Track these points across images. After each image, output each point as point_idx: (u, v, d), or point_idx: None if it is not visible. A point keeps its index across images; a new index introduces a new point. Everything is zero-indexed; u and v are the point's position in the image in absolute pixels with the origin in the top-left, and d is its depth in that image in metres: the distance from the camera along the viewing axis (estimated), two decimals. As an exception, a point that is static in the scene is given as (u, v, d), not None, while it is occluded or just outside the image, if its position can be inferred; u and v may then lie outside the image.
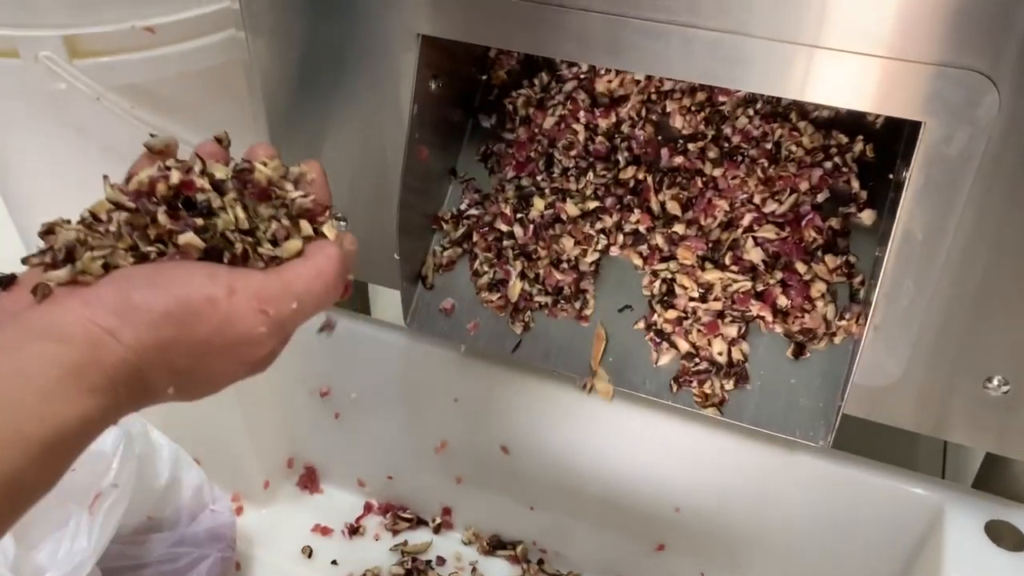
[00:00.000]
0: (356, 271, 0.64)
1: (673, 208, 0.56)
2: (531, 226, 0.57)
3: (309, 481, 0.79)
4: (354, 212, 0.60)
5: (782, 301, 0.54)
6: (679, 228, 0.56)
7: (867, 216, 0.54)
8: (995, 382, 0.49)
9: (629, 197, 0.57)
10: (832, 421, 0.52)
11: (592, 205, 0.57)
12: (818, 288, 0.54)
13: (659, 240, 0.56)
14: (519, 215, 0.58)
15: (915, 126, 0.43)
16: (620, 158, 0.57)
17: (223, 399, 0.71)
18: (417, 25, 0.50)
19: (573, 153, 0.58)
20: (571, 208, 0.57)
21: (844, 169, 0.55)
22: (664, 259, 0.56)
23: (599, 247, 0.57)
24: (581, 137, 0.58)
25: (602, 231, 0.57)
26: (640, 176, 0.57)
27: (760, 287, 0.54)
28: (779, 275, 0.54)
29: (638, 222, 0.57)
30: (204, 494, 0.70)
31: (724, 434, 0.60)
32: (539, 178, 0.59)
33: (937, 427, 0.53)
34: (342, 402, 0.73)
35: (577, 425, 0.65)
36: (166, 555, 0.66)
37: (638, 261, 0.57)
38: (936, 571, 0.53)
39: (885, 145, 0.55)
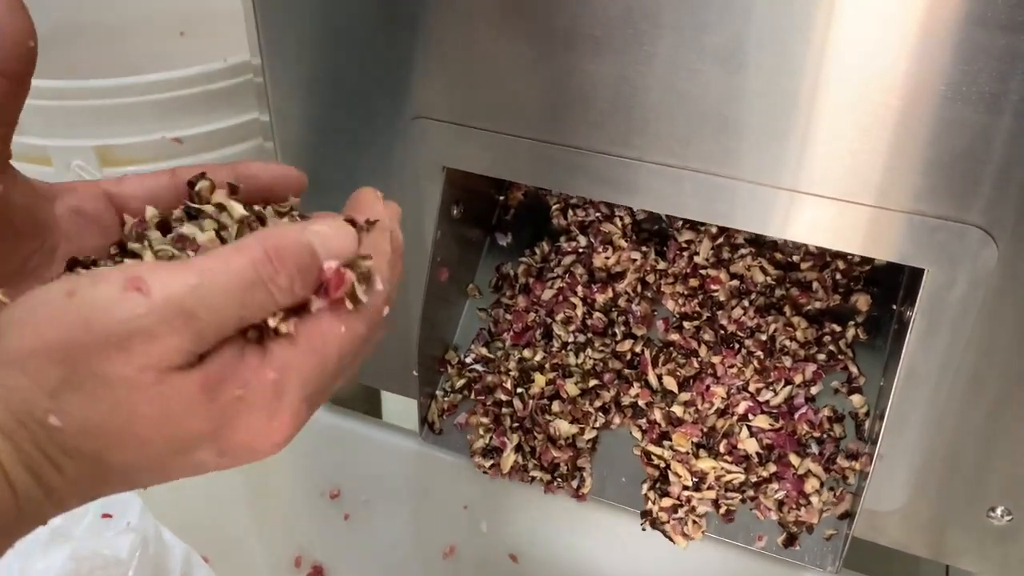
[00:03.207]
0: (374, 379, 0.66)
1: (670, 384, 0.58)
2: (531, 401, 0.58)
3: (316, 581, 0.79)
4: (372, 325, 0.62)
5: (778, 495, 0.55)
6: (678, 409, 0.57)
7: (857, 401, 0.56)
8: (998, 512, 0.51)
9: (627, 371, 0.59)
10: (840, 548, 0.53)
11: (592, 383, 0.58)
12: (812, 484, 0.54)
13: (658, 415, 0.57)
14: (519, 389, 0.59)
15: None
16: (617, 331, 0.59)
17: (232, 497, 0.73)
18: (443, 159, 0.52)
19: (572, 328, 0.60)
20: (571, 387, 0.58)
21: (840, 356, 0.56)
22: (663, 435, 0.57)
23: (597, 424, 0.58)
24: (579, 312, 0.59)
25: (601, 408, 0.58)
26: (637, 349, 0.59)
27: (753, 478, 0.55)
28: (772, 467, 0.55)
29: (637, 396, 0.58)
30: (213, 596, 0.70)
31: (734, 556, 0.61)
32: (538, 352, 0.60)
33: (940, 552, 0.54)
34: (352, 504, 0.74)
35: (588, 538, 0.65)
36: (174, 661, 0.66)
37: (638, 434, 0.58)
38: None
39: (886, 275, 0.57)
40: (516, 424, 0.59)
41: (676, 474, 0.56)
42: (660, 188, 0.48)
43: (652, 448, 0.57)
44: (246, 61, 0.69)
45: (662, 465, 0.57)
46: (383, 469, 0.71)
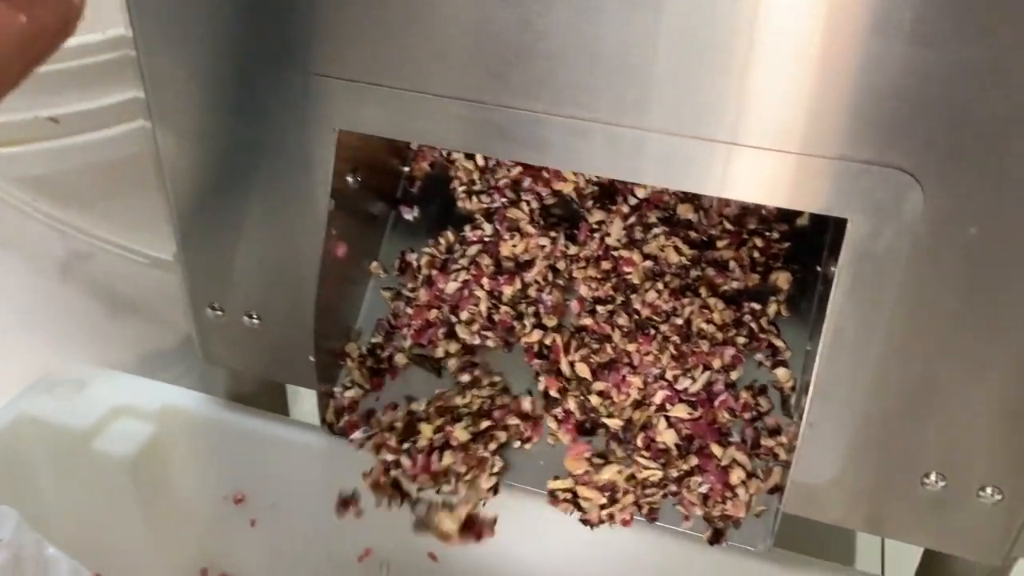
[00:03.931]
0: (271, 370, 0.61)
1: (582, 371, 0.54)
2: (420, 456, 0.53)
3: (223, 594, 0.73)
4: (269, 310, 0.57)
5: (702, 488, 0.52)
6: (594, 399, 0.54)
7: (782, 374, 0.53)
8: (932, 478, 0.48)
9: (537, 362, 0.55)
10: (771, 524, 0.51)
11: (483, 424, 0.54)
12: (737, 475, 0.51)
13: (572, 404, 0.54)
14: (405, 445, 0.54)
15: (841, 221, 0.43)
16: (527, 323, 0.55)
17: (126, 508, 0.67)
18: (334, 120, 0.48)
19: (475, 328, 0.56)
20: (460, 433, 0.53)
21: (762, 336, 0.53)
22: (579, 426, 0.54)
23: (495, 470, 0.54)
24: (483, 307, 0.55)
25: (497, 450, 0.54)
26: (548, 341, 0.55)
27: (675, 472, 0.52)
28: (694, 460, 0.52)
29: (547, 387, 0.54)
30: (105, 616, 0.64)
31: (661, 539, 0.57)
32: (422, 404, 0.55)
33: (875, 525, 0.52)
34: (258, 509, 0.68)
35: (509, 528, 0.61)
36: None
37: (553, 424, 0.54)
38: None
39: (811, 237, 0.55)
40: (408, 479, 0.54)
41: (586, 499, 0.53)
42: (568, 143, 0.45)
43: (554, 485, 0.54)
44: (124, 35, 0.64)
45: (569, 496, 0.53)
46: (290, 469, 0.66)
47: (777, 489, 0.51)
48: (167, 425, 0.66)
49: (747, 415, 0.52)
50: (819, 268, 0.53)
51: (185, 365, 0.76)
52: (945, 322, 0.44)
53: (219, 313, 0.59)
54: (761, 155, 0.42)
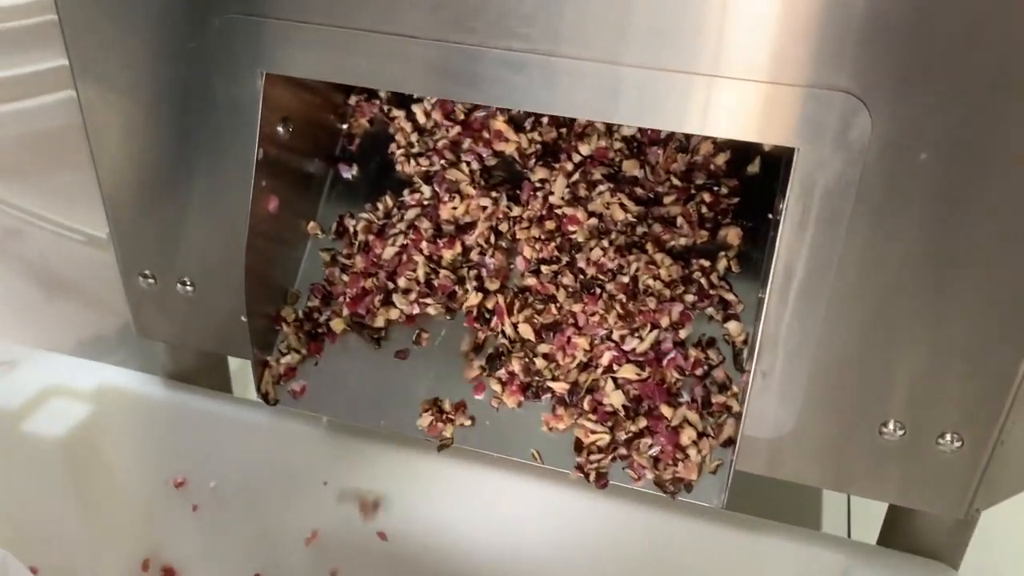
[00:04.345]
0: (208, 341, 0.58)
1: (526, 332, 0.52)
2: None
3: (166, 585, 0.70)
4: (202, 276, 0.55)
5: (652, 451, 0.50)
6: (540, 362, 0.51)
7: (733, 328, 0.50)
8: (891, 426, 0.47)
9: (478, 326, 0.53)
10: (726, 479, 0.48)
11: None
12: (688, 435, 0.49)
13: (516, 366, 0.51)
14: None
15: (791, 161, 0.41)
16: (468, 287, 0.53)
17: (60, 497, 0.64)
18: (258, 62, 0.46)
19: (412, 297, 0.53)
20: None
21: (712, 292, 0.51)
22: (524, 387, 0.51)
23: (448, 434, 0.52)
24: (421, 273, 0.53)
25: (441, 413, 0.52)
26: (489, 305, 0.52)
27: (623, 435, 0.50)
28: (643, 421, 0.50)
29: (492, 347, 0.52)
30: (36, 607, 0.61)
31: (617, 503, 0.55)
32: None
33: (836, 481, 0.50)
34: (200, 493, 0.65)
35: (458, 501, 0.59)
36: None
37: (497, 387, 0.52)
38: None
39: (763, 191, 0.53)
40: None
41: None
42: (504, 78, 0.43)
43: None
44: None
45: None
46: (232, 449, 0.63)
47: (730, 442, 0.49)
48: (102, 405, 0.63)
49: (698, 371, 0.50)
50: (770, 216, 0.51)
51: (126, 350, 0.73)
52: (898, 257, 0.42)
53: (151, 281, 0.56)
54: (714, 83, 0.40)
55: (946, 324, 0.44)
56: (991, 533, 0.56)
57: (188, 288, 0.55)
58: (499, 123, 0.55)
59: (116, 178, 0.53)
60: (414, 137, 0.56)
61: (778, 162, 0.51)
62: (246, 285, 0.50)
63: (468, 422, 0.51)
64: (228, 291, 0.53)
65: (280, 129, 0.50)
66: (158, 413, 0.63)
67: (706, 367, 0.50)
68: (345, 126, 0.57)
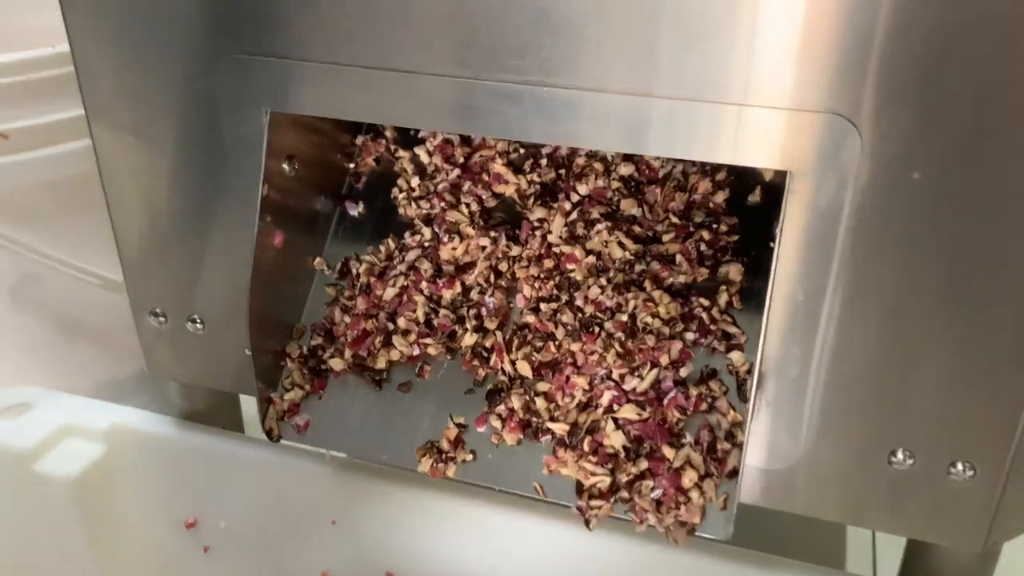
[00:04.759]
0: (218, 380, 0.59)
1: (524, 369, 0.52)
2: None
3: (177, 630, 0.70)
4: (212, 314, 0.55)
5: (654, 494, 0.49)
6: (540, 403, 0.51)
7: (736, 358, 0.50)
8: (900, 455, 0.46)
9: (476, 363, 0.53)
10: (731, 511, 0.48)
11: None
12: (690, 476, 0.48)
13: (516, 403, 0.51)
14: None
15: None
16: (468, 326, 0.53)
17: (70, 536, 0.64)
18: (263, 101, 0.47)
19: (412, 339, 0.53)
20: None
21: (713, 327, 0.51)
22: (524, 425, 0.51)
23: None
24: (421, 313, 0.53)
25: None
26: (488, 344, 0.53)
27: (624, 477, 0.49)
28: (644, 463, 0.49)
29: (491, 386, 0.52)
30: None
31: (627, 540, 0.54)
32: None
33: (847, 514, 0.48)
34: (211, 533, 0.65)
35: (467, 539, 0.58)
36: None
37: (497, 423, 0.52)
38: None
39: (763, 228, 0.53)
40: None
41: None
42: (499, 109, 0.43)
43: None
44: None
45: None
46: (241, 488, 0.63)
47: (735, 473, 0.48)
48: (115, 444, 0.63)
49: (702, 407, 0.49)
50: (772, 245, 0.51)
51: (142, 394, 0.74)
52: (898, 280, 0.42)
53: (162, 320, 0.57)
54: (697, 108, 0.40)
55: (952, 348, 0.43)
56: (1016, 567, 0.54)
57: (198, 326, 0.56)
58: (498, 166, 0.55)
59: (127, 218, 0.54)
60: (415, 182, 0.57)
61: (779, 192, 0.51)
62: (250, 320, 0.51)
63: (469, 456, 0.51)
64: (237, 329, 0.54)
65: (285, 167, 0.51)
66: (170, 452, 0.63)
67: (709, 400, 0.49)
68: (352, 165, 0.58)
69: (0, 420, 0.64)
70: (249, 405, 0.71)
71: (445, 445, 0.51)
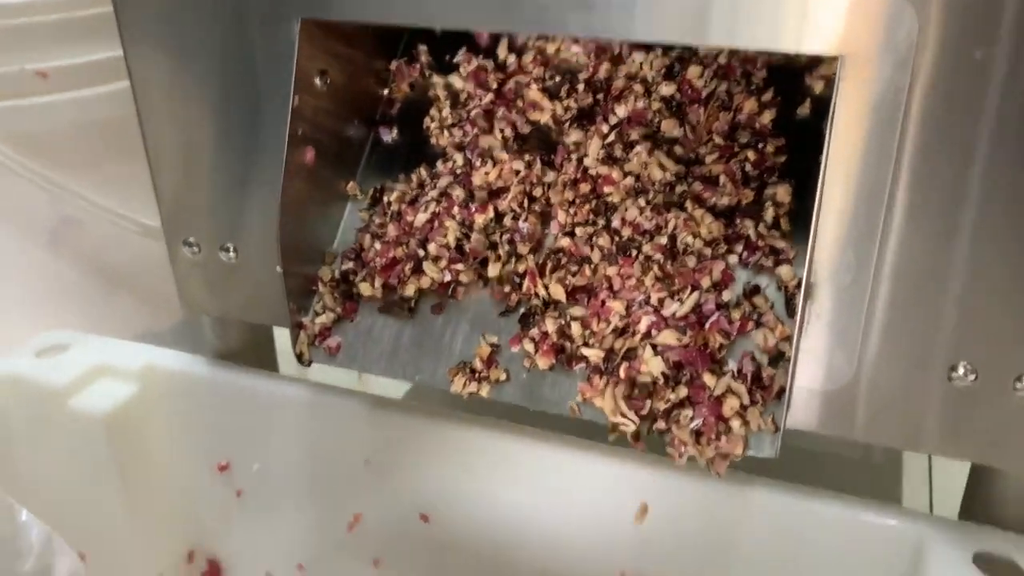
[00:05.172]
0: (251, 312, 0.58)
1: (557, 293, 0.49)
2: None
3: (211, 578, 0.69)
4: (244, 241, 0.54)
5: (693, 424, 0.46)
6: (575, 328, 0.49)
7: (785, 273, 0.47)
8: (960, 371, 0.43)
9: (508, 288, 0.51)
10: (779, 430, 0.45)
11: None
12: (731, 405, 0.46)
13: (550, 326, 0.49)
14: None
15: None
16: (500, 252, 0.51)
17: (103, 477, 0.63)
18: (295, 8, 0.46)
19: (443, 264, 0.51)
20: None
21: (761, 243, 0.48)
22: (558, 350, 0.49)
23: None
24: (452, 238, 0.51)
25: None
26: (520, 268, 0.51)
27: (662, 405, 0.47)
28: (683, 391, 0.47)
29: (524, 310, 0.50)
30: (78, 588, 0.60)
31: (671, 477, 0.52)
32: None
33: (903, 438, 0.46)
34: (244, 477, 0.64)
35: (502, 480, 0.56)
36: (19, 655, 0.55)
37: (530, 347, 0.50)
38: (921, 613, 0.44)
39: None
40: None
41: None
42: (546, 2, 0.42)
43: None
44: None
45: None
46: (274, 428, 0.62)
47: (782, 393, 0.45)
48: (148, 384, 0.63)
49: (748, 327, 0.47)
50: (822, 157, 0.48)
51: (182, 347, 0.73)
52: (961, 174, 0.39)
53: (195, 250, 0.56)
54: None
55: (1021, 251, 0.40)
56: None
57: (231, 255, 0.55)
58: (533, 92, 0.54)
59: (161, 144, 0.54)
60: (447, 110, 0.56)
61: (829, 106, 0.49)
62: (281, 239, 0.50)
63: (503, 376, 0.49)
64: (269, 257, 0.53)
65: (317, 81, 0.50)
66: (203, 391, 0.63)
67: (755, 319, 0.47)
68: (386, 91, 0.56)
69: (36, 359, 0.63)
70: (284, 344, 0.70)
71: (478, 364, 0.49)
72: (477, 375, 0.49)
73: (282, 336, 0.67)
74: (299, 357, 0.53)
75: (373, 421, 0.59)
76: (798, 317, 0.44)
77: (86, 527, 0.63)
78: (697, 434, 0.46)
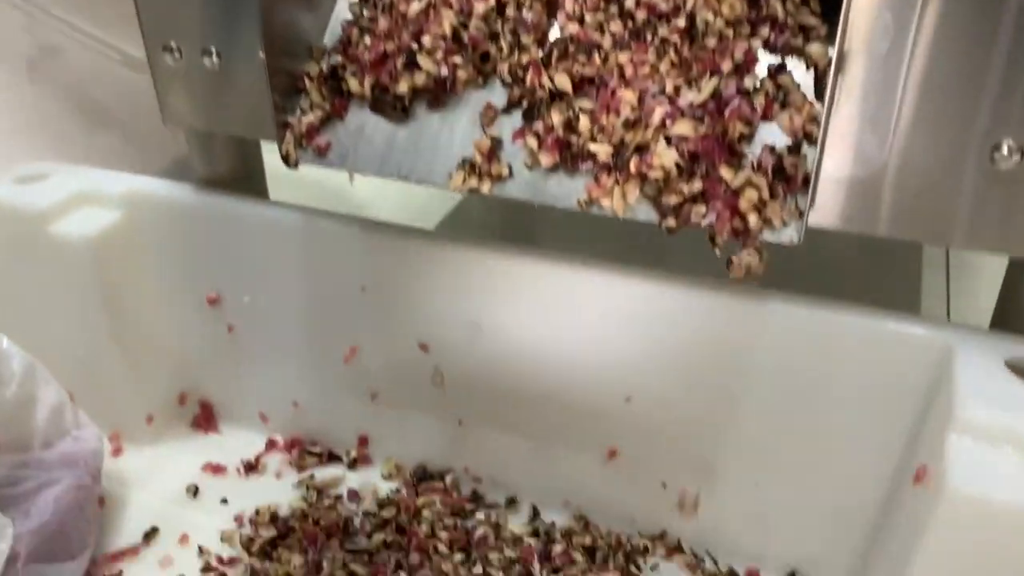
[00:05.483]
0: (235, 124, 0.54)
1: (563, 83, 0.45)
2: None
3: (204, 420, 0.67)
4: (228, 44, 0.51)
5: (707, 220, 0.43)
6: (584, 121, 0.45)
7: (816, 51, 0.43)
8: (1004, 150, 0.39)
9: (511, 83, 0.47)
10: (801, 223, 0.42)
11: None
12: (749, 198, 0.42)
13: (555, 119, 0.45)
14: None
15: None
16: (504, 45, 0.47)
17: (89, 307, 0.61)
18: None
19: (438, 56, 0.47)
20: None
21: (789, 22, 0.43)
22: (563, 145, 0.45)
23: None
24: (447, 26, 0.47)
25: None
26: (524, 60, 0.46)
27: (673, 199, 0.43)
28: (698, 184, 0.43)
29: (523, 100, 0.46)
30: (65, 418, 0.57)
31: (681, 293, 0.49)
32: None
33: (937, 230, 0.42)
34: (235, 310, 0.62)
35: (504, 304, 0.54)
36: (3, 478, 0.53)
37: (532, 142, 0.46)
38: (950, 416, 0.41)
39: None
40: None
41: None
42: None
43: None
44: None
45: None
46: (263, 258, 0.59)
47: (807, 183, 0.42)
48: (133, 210, 0.60)
49: (771, 112, 0.43)
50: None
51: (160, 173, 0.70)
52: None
53: (177, 55, 0.52)
54: None
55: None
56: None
57: (214, 60, 0.51)
58: None
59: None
60: None
61: None
62: (264, 29, 0.46)
63: (505, 171, 0.46)
64: (253, 62, 0.49)
65: None
66: (190, 218, 0.59)
67: (780, 99, 0.43)
68: None
69: (16, 185, 0.60)
70: (275, 170, 0.66)
71: (478, 158, 0.46)
72: (477, 169, 0.46)
73: (273, 162, 0.64)
74: (285, 159, 0.49)
75: (369, 245, 0.56)
76: (828, 93, 0.40)
77: (73, 363, 0.61)
78: (711, 235, 0.43)
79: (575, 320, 0.52)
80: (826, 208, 0.43)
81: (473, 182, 0.45)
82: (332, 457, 0.64)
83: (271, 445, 0.65)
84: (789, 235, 0.41)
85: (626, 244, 0.54)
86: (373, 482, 0.61)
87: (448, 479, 0.61)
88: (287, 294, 0.59)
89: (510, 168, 0.46)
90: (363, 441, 0.63)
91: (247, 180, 0.62)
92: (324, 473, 0.62)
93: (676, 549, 0.56)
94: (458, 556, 0.54)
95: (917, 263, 0.70)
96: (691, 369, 0.51)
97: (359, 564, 0.54)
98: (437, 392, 0.58)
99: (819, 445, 0.50)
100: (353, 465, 0.63)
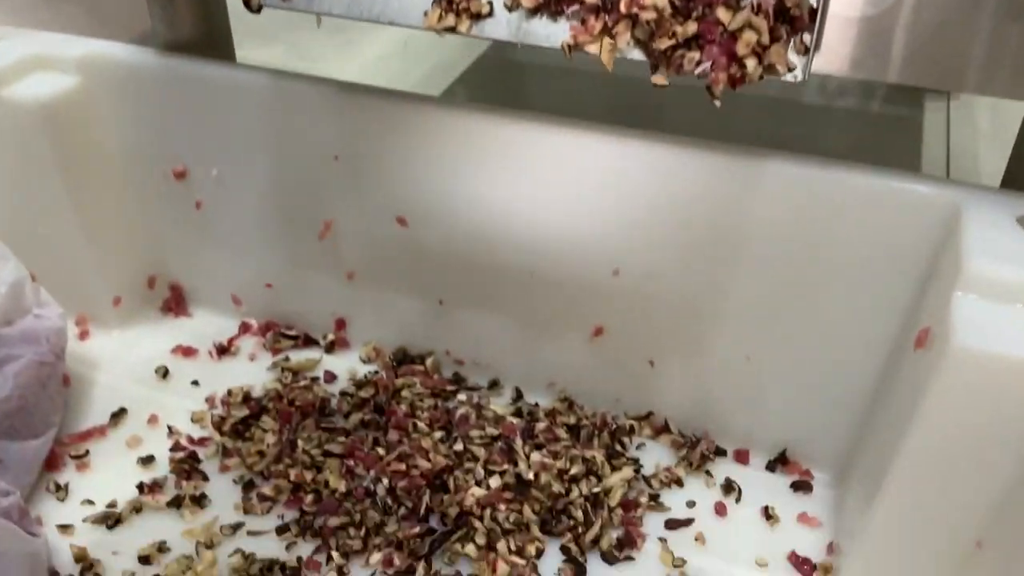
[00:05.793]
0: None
1: None
2: None
3: (175, 303, 0.64)
4: None
5: (700, 68, 0.39)
6: None
7: None
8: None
9: None
10: (807, 59, 0.38)
11: None
12: (747, 41, 0.38)
13: None
14: None
15: None
16: None
17: (48, 180, 0.57)
18: None
19: None
20: None
21: None
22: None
23: None
24: None
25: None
26: None
27: (665, 43, 0.40)
28: (692, 28, 0.39)
29: None
30: (25, 296, 0.55)
31: (673, 148, 0.46)
32: None
33: (945, 73, 0.39)
34: (202, 185, 0.58)
35: (487, 172, 0.50)
36: (-40, 353, 0.51)
37: None
38: (956, 275, 0.39)
39: None
40: None
41: None
42: None
43: None
44: None
45: None
46: (230, 126, 0.55)
47: (813, 19, 0.38)
48: (90, 75, 0.56)
49: None
50: None
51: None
52: None
53: None
54: None
55: None
56: None
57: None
58: None
59: None
60: None
61: None
62: None
63: (485, 8, 0.42)
64: None
65: None
66: (151, 84, 0.56)
67: None
68: None
69: (-37, 49, 0.56)
70: (242, 31, 0.62)
71: None
72: (455, 5, 0.42)
73: (239, 23, 0.60)
74: (247, 2, 0.45)
75: (342, 109, 0.52)
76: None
77: (32, 240, 0.58)
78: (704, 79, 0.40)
79: (562, 186, 0.49)
80: (832, 51, 0.39)
81: (450, 20, 0.42)
82: (308, 341, 0.61)
83: (244, 328, 0.62)
84: (794, 72, 0.38)
85: (619, 118, 0.51)
86: (351, 365, 0.59)
87: (429, 362, 0.58)
88: (257, 165, 0.56)
89: (491, 5, 0.42)
90: (340, 324, 0.61)
91: (213, 45, 0.58)
92: (300, 356, 0.60)
93: (663, 429, 0.54)
94: (438, 434, 0.52)
95: (917, 134, 0.66)
96: (682, 236, 0.48)
97: (335, 444, 0.52)
98: (416, 269, 0.55)
99: (816, 315, 0.47)
100: (330, 348, 0.61)
